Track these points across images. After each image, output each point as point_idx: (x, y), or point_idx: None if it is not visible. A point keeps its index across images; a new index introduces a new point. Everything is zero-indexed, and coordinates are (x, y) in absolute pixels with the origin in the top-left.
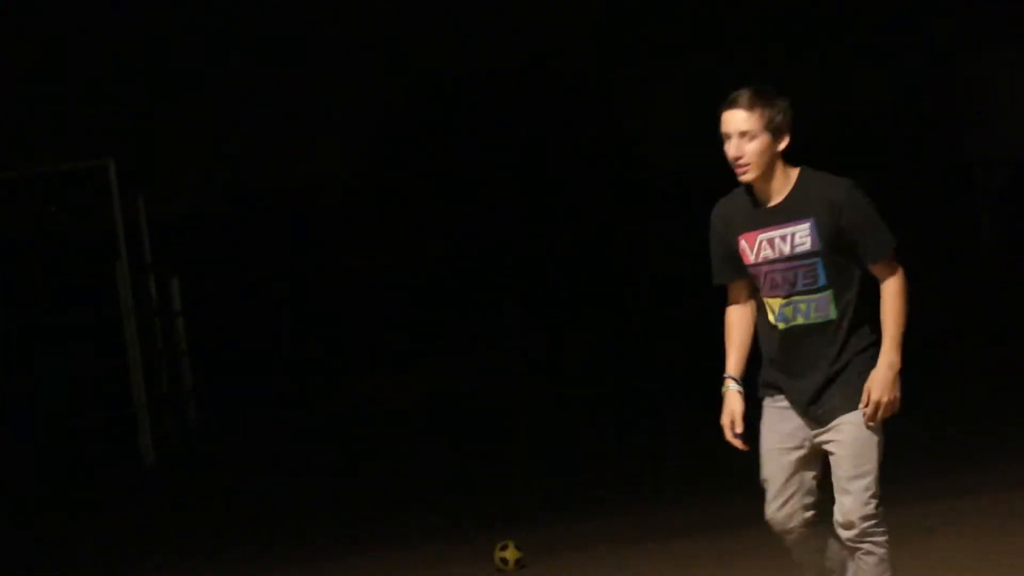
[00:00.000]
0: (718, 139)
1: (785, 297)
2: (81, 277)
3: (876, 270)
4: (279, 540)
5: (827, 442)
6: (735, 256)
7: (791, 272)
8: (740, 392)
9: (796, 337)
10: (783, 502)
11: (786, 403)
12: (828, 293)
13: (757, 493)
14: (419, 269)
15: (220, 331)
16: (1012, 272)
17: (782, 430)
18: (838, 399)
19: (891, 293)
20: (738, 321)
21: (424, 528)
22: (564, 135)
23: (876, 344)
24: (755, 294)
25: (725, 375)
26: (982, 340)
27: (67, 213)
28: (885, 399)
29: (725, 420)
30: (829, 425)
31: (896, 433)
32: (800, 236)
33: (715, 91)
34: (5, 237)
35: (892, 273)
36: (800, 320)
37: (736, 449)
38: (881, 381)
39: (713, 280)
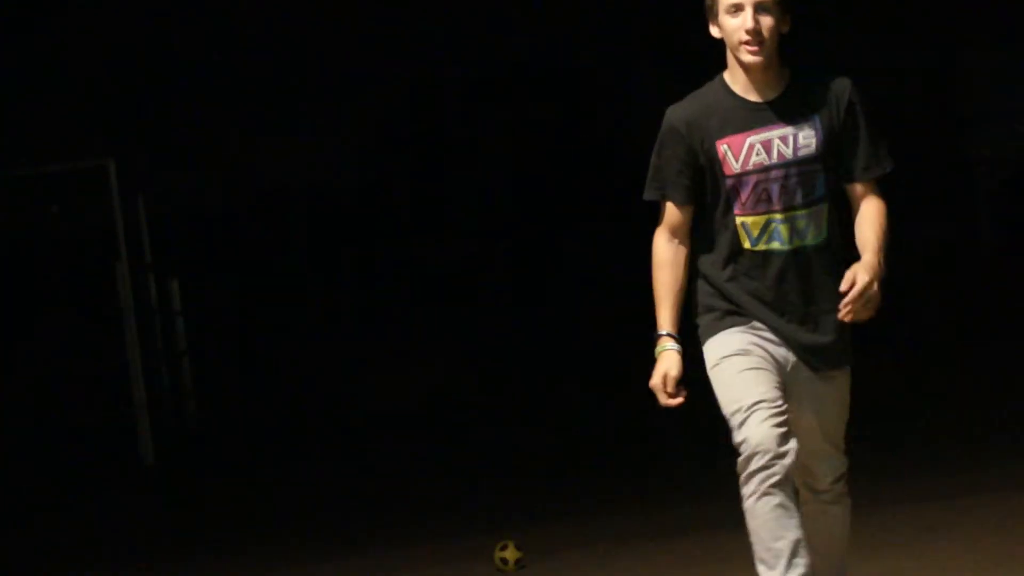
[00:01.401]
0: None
1: (783, 212)
2: (81, 277)
3: (859, 189)
4: (278, 540)
5: (804, 393)
6: (696, 168)
7: (790, 181)
8: (679, 352)
9: (796, 265)
10: (779, 412)
11: (765, 330)
12: (824, 207)
13: (734, 494)
14: (420, 269)
15: (220, 331)
16: (1012, 272)
17: (763, 346)
18: (838, 350)
19: (876, 208)
20: (673, 260)
21: (424, 528)
22: (566, 135)
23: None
24: (690, 225)
25: (660, 332)
26: (982, 340)
27: (67, 213)
28: (872, 286)
29: (656, 382)
30: (818, 375)
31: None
32: (804, 137)
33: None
34: (5, 237)
35: (878, 195)
36: (797, 243)
37: (665, 408)
38: (867, 266)
39: (650, 194)
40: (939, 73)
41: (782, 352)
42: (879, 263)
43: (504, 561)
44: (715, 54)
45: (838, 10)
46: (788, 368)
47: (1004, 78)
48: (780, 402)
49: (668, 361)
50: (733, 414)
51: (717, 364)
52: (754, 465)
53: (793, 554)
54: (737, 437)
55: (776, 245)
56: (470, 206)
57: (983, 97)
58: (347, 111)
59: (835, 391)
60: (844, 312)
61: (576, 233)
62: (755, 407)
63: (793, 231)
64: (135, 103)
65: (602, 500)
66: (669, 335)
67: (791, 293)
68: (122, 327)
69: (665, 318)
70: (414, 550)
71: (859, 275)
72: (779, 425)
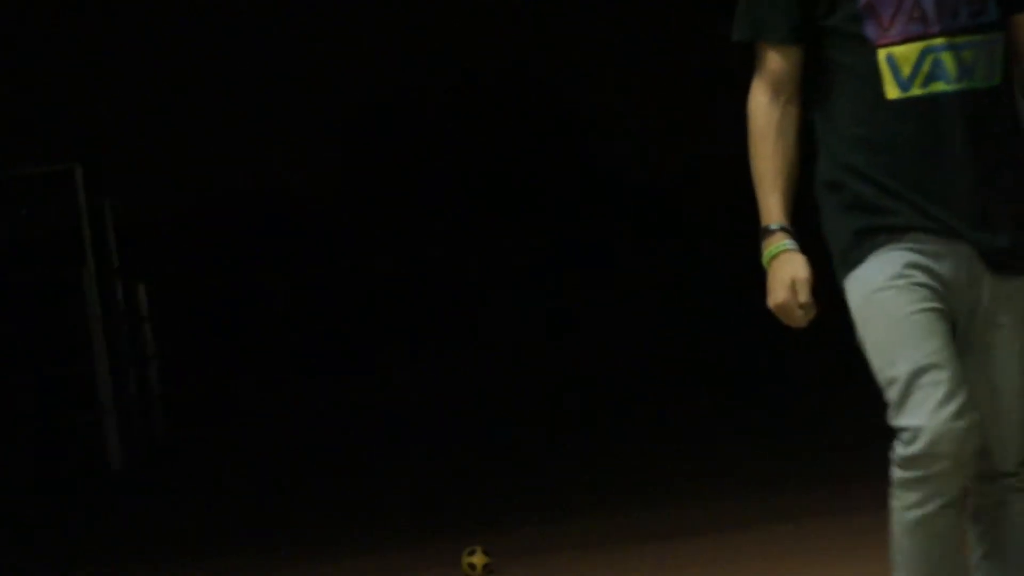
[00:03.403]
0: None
1: (944, 36)
2: (47, 282)
3: None
4: (246, 547)
5: (998, 311)
6: None
7: None
8: (798, 250)
9: (967, 118)
10: (963, 397)
11: (921, 243)
12: (999, 37)
13: (731, 495)
14: (388, 272)
15: (189, 336)
16: None
17: (922, 278)
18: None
19: None
20: (779, 125)
21: (392, 534)
22: (533, 147)
23: None
24: (799, 77)
25: (769, 227)
26: None
27: (34, 217)
28: None
29: (784, 297)
30: (1001, 291)
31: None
32: None
33: (679, 106)
34: None
35: None
36: (967, 83)
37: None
38: None
39: (740, 33)
40: None
41: (950, 269)
42: None
43: (472, 567)
44: (691, 70)
45: None
46: (960, 295)
47: None
48: (954, 368)
49: (790, 263)
50: (890, 383)
51: (864, 305)
52: (924, 470)
53: None
54: (899, 420)
55: (940, 85)
56: (437, 211)
57: None
58: (317, 116)
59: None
60: None
61: (544, 240)
62: (921, 376)
63: (960, 65)
64: (103, 108)
65: (572, 504)
66: (782, 229)
67: (962, 164)
68: (89, 332)
69: (774, 206)
70: (382, 556)
71: None
72: (959, 412)
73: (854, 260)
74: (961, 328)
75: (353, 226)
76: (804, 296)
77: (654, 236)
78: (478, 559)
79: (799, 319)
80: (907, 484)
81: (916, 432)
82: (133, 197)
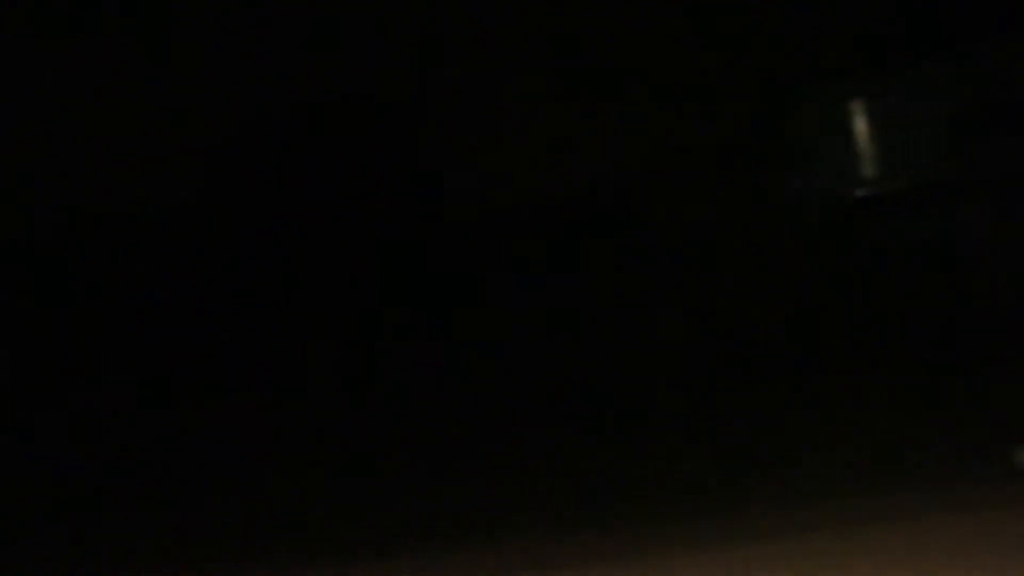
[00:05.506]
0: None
1: None
2: None
3: None
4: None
5: None
6: None
7: None
8: None
9: None
10: None
11: None
12: None
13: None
14: (250, 298)
15: (37, 363)
16: (827, 313)
17: None
18: None
19: None
20: None
21: (268, 563)
22: (378, 168)
23: None
24: None
25: None
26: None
27: None
28: None
29: None
30: None
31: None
32: None
33: (528, 126)
34: None
35: None
36: None
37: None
38: None
39: None
40: (762, 112)
41: None
42: None
43: None
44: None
45: (662, 48)
46: None
47: (828, 115)
48: None
49: None
50: None
51: None
52: None
53: None
54: None
55: None
56: (305, 236)
57: (806, 135)
58: (181, 138)
59: None
60: None
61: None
62: None
63: None
64: None
65: (440, 536)
66: None
67: None
68: None
69: None
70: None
71: None
72: None
73: None
74: None
75: (217, 249)
76: None
77: (521, 265)
78: None
79: None
80: None
81: None
82: None
